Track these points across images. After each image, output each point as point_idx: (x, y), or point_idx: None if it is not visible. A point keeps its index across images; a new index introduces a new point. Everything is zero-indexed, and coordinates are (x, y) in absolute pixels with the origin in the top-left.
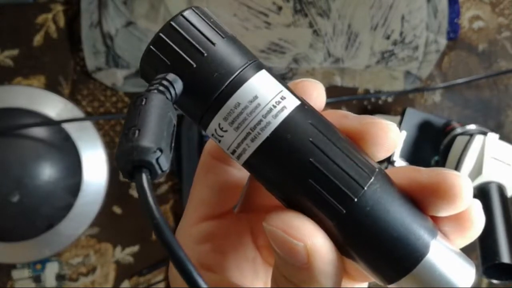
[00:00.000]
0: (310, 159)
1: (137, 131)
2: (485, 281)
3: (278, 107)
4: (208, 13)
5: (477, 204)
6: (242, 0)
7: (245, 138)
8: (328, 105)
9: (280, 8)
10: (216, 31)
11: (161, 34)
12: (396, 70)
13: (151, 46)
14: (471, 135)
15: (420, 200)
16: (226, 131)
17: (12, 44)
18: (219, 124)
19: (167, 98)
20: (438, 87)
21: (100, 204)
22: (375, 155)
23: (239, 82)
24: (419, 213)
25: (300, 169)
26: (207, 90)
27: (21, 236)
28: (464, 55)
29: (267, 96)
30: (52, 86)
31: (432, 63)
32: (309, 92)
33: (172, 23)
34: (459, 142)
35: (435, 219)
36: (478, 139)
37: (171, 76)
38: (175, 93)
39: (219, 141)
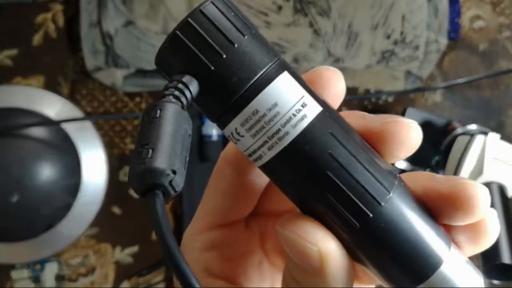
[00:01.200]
0: (328, 172)
1: (150, 151)
2: (485, 281)
3: (298, 116)
4: (229, 4)
5: (493, 214)
6: None
7: (262, 146)
8: None
9: (280, 8)
10: (237, 28)
11: (177, 32)
12: (397, 69)
13: (166, 44)
14: (472, 135)
15: (434, 209)
16: (243, 136)
17: (11, 44)
18: (236, 129)
19: (182, 106)
20: (438, 87)
21: (99, 204)
22: (396, 155)
23: (259, 87)
24: (434, 224)
25: (317, 181)
26: (225, 94)
27: (20, 236)
28: (464, 55)
29: (287, 103)
30: (51, 86)
31: (432, 63)
32: (328, 84)
33: (190, 20)
34: (460, 142)
35: (448, 227)
36: (479, 139)
37: (186, 78)
38: (191, 96)
39: (235, 143)
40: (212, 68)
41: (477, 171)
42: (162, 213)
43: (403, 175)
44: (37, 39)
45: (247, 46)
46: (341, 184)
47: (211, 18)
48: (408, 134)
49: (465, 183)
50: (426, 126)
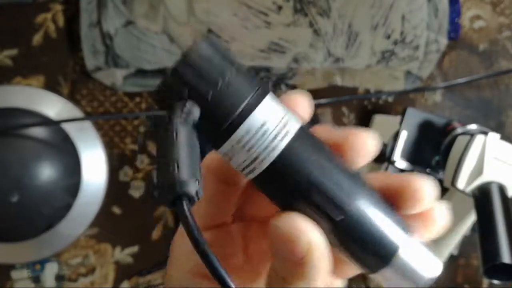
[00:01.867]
0: (309, 178)
1: (175, 165)
2: (485, 281)
3: (283, 132)
4: (217, 44)
5: (440, 205)
6: None
7: (253, 161)
8: (329, 105)
9: (280, 8)
10: (226, 63)
11: (177, 68)
12: (397, 69)
13: (167, 77)
14: (472, 135)
15: (392, 201)
16: (237, 153)
17: (11, 44)
18: (231, 148)
19: (192, 127)
20: (438, 87)
21: (99, 204)
22: (354, 162)
23: (248, 111)
24: (394, 214)
25: (301, 186)
26: (219, 120)
27: (20, 236)
28: (464, 54)
29: (273, 122)
30: (51, 86)
31: (432, 63)
32: (299, 107)
33: (187, 58)
34: (460, 142)
35: (405, 217)
36: (479, 139)
37: (190, 104)
38: (195, 120)
39: (229, 160)
40: (209, 98)
41: (477, 171)
42: (192, 219)
43: (367, 175)
44: (37, 39)
45: (235, 78)
46: (320, 187)
47: (203, 56)
48: (364, 144)
49: (412, 177)
50: (426, 126)
